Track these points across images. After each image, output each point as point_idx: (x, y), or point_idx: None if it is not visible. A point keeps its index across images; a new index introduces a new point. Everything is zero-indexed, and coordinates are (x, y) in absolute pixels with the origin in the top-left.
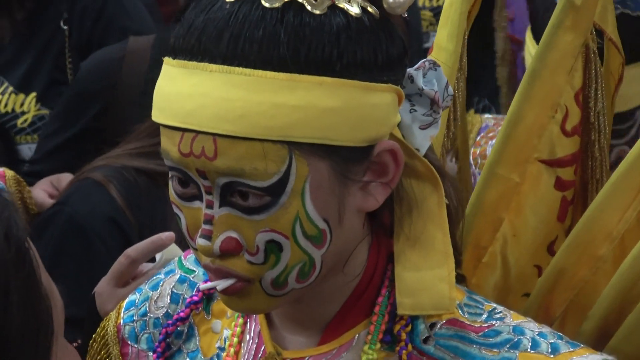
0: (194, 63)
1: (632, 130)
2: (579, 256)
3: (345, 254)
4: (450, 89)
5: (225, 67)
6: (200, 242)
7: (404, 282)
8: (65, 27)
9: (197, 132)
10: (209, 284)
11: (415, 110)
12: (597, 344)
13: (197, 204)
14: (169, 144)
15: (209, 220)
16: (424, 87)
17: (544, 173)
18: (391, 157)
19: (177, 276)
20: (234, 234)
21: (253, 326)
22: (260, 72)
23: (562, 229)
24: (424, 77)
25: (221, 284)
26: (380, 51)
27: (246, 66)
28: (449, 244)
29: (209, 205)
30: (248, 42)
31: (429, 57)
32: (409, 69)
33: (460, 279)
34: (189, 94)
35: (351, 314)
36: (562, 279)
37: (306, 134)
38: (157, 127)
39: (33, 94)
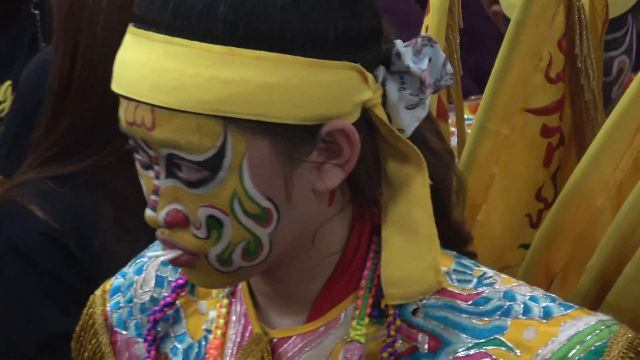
0: (141, 31)
1: (627, 38)
2: (575, 209)
3: (307, 232)
4: (449, 67)
5: (166, 37)
6: (147, 212)
7: (390, 273)
8: (36, 12)
9: (138, 102)
10: (156, 252)
11: (404, 89)
12: (597, 299)
13: (151, 173)
14: (120, 112)
15: (156, 191)
16: (410, 64)
17: (530, 122)
18: (344, 138)
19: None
20: (179, 207)
21: (239, 307)
22: (197, 43)
23: (547, 174)
24: (417, 54)
25: (167, 255)
26: (334, 27)
27: (186, 37)
28: (433, 226)
29: (157, 176)
30: (188, 12)
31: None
32: (398, 45)
33: (473, 256)
34: (133, 62)
35: (336, 289)
36: (560, 233)
37: (241, 110)
38: (50, 127)
39: (8, 83)
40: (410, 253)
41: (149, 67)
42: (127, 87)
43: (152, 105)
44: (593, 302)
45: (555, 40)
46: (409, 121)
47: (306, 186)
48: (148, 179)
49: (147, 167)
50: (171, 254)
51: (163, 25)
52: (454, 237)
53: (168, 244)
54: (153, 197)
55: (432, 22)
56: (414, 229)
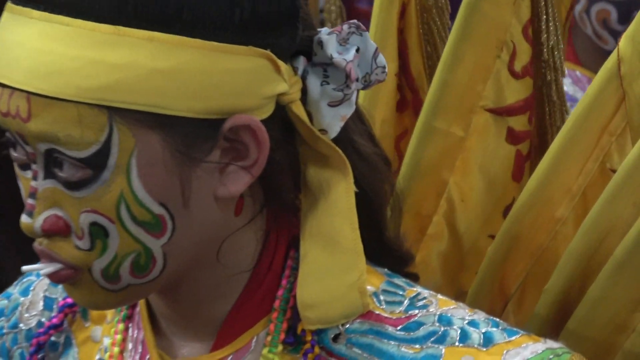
0: (19, 8)
1: None
2: (534, 218)
3: (209, 245)
4: (382, 59)
5: (46, 14)
6: (23, 218)
7: (307, 293)
8: None
9: (13, 89)
10: (31, 266)
11: (328, 83)
12: (558, 325)
13: (29, 173)
14: None
15: (33, 194)
16: (334, 55)
17: (492, 124)
18: (251, 136)
19: None
20: (59, 212)
21: (136, 333)
22: (80, 22)
23: (519, 189)
24: (343, 43)
25: (45, 269)
26: (240, 7)
27: (68, 14)
28: (358, 240)
29: (34, 176)
30: None
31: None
32: (321, 33)
33: (415, 278)
34: (9, 43)
35: (247, 312)
36: (516, 247)
37: (128, 99)
38: None
39: None
40: (330, 270)
41: (25, 48)
42: (0, 72)
43: (28, 93)
44: (553, 328)
45: (520, 27)
46: (332, 120)
47: (207, 191)
48: (26, 181)
49: (25, 166)
50: (49, 268)
51: (43, 1)
52: (388, 255)
53: (46, 256)
54: (30, 201)
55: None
56: (336, 242)
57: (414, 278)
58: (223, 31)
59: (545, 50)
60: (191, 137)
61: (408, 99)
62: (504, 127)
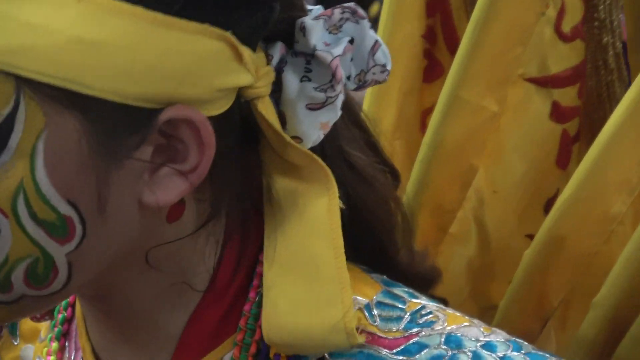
0: None
1: None
2: (583, 216)
3: (135, 253)
4: (382, 55)
5: None
6: None
7: (275, 334)
8: None
9: None
10: None
11: (309, 80)
12: (608, 348)
13: None
14: None
15: None
16: (317, 45)
17: (534, 97)
18: (192, 134)
19: None
20: None
21: (73, 353)
22: None
23: (564, 179)
24: (334, 31)
25: None
26: None
27: None
28: (343, 268)
29: None
30: None
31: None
32: (307, 16)
33: (444, 302)
34: None
35: (206, 328)
36: (559, 250)
37: (40, 68)
38: None
39: None
40: (306, 305)
41: None
42: None
43: None
44: (603, 351)
45: None
46: (309, 127)
47: (130, 195)
48: None
49: None
50: None
51: None
52: (405, 279)
53: None
54: None
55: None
56: (314, 271)
57: (441, 302)
58: (172, 1)
59: (601, 7)
60: (116, 126)
61: (441, 65)
62: (548, 101)
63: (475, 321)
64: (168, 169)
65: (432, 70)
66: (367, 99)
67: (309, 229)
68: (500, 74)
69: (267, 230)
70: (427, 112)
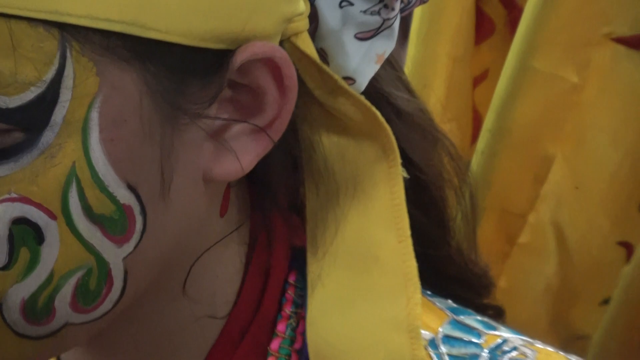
0: None
1: None
2: None
3: (180, 262)
4: None
5: None
6: None
7: (324, 336)
8: None
9: None
10: None
11: (351, 4)
12: None
13: None
14: None
15: None
16: None
17: (624, 63)
18: (270, 76)
19: None
20: None
21: None
22: None
23: None
24: None
25: None
26: None
27: None
28: (409, 254)
29: None
30: None
31: None
32: None
33: (497, 313)
34: None
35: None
36: None
37: (91, 11)
38: None
39: None
40: (362, 300)
41: None
42: None
43: None
44: None
45: None
46: (362, 62)
47: (194, 170)
48: None
49: None
50: None
51: None
52: (454, 279)
53: None
54: None
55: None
56: (371, 258)
57: (496, 313)
58: None
59: None
60: (184, 78)
61: (492, 22)
62: None
63: (573, 358)
64: (240, 129)
65: (481, 28)
66: (407, 70)
67: (364, 206)
68: (580, 34)
69: (310, 212)
70: (477, 81)
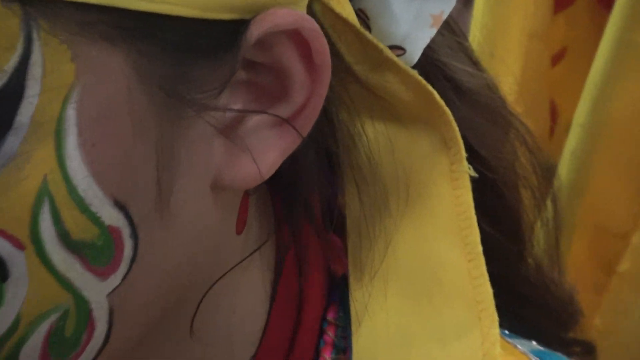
0: None
1: None
2: None
3: (190, 292)
4: None
5: None
6: None
7: None
8: None
9: None
10: None
11: None
12: None
13: None
14: None
15: None
16: None
17: None
18: (296, 52)
19: None
20: None
21: None
22: None
23: None
24: None
25: None
26: None
27: None
28: (482, 276)
29: None
30: None
31: None
32: None
33: (587, 351)
34: None
35: None
36: None
37: None
38: None
39: None
40: (422, 340)
41: None
42: None
43: None
44: None
45: None
46: (413, 26)
47: (203, 176)
48: None
49: None
50: None
51: None
52: (532, 306)
53: None
54: None
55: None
56: (433, 284)
57: (586, 350)
58: None
59: None
60: (185, 60)
61: None
62: None
63: None
64: (258, 121)
65: None
66: (473, 39)
67: (421, 214)
68: None
69: (352, 225)
70: (555, 60)
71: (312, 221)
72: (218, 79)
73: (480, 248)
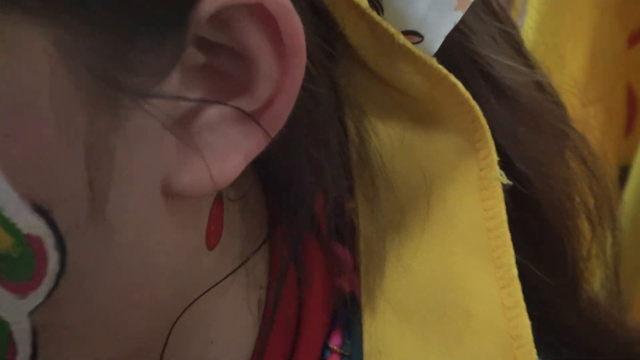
0: None
1: None
2: None
3: (156, 319)
4: None
5: None
6: None
7: None
8: None
9: None
10: None
11: None
12: None
13: None
14: None
15: None
16: None
17: None
18: (261, 31)
19: None
20: None
21: None
22: None
23: None
24: None
25: None
26: None
27: None
28: (518, 307)
29: None
30: None
31: None
32: None
33: None
34: None
35: None
36: None
37: None
38: None
39: None
40: None
41: None
42: None
43: None
44: None
45: None
46: (433, 7)
47: (148, 178)
48: None
49: None
50: None
51: None
52: (585, 347)
53: None
54: None
55: None
56: (460, 316)
57: None
58: None
59: None
60: (123, 34)
61: None
62: None
63: None
64: (217, 115)
65: None
66: (531, 24)
67: (443, 230)
68: None
69: (365, 240)
70: (634, 40)
71: (315, 231)
72: (161, 61)
73: (514, 271)
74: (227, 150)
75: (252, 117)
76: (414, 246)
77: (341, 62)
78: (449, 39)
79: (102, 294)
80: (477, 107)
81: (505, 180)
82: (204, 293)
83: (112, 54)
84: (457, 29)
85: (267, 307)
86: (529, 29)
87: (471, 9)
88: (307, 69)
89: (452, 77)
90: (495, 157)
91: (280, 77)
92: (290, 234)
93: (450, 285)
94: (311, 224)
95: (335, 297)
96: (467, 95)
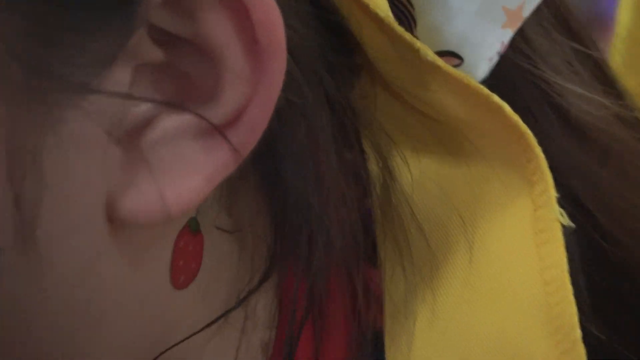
0: None
1: None
2: None
3: None
4: None
5: None
6: None
7: None
8: None
9: None
10: None
11: None
12: None
13: None
14: None
15: None
16: None
17: None
18: (229, 22)
19: None
20: None
21: None
22: None
23: None
24: None
25: None
26: None
27: None
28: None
29: None
30: None
31: None
32: None
33: None
34: None
35: None
36: None
37: None
38: None
39: None
40: None
41: None
42: None
43: None
44: None
45: None
46: (473, 23)
47: (87, 202)
48: None
49: None
50: None
51: None
52: None
53: None
54: None
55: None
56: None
57: None
58: None
59: None
60: (56, 14)
61: None
62: None
63: None
64: (175, 124)
65: None
66: (625, 22)
67: (488, 286)
68: None
69: (391, 304)
70: None
71: (336, 260)
72: (103, 47)
73: (578, 334)
74: (185, 170)
75: (217, 129)
76: (454, 306)
77: (360, 79)
78: (508, 62)
79: (48, 335)
80: (529, 133)
81: (566, 221)
82: (184, 340)
83: (41, 35)
84: (519, 50)
85: (275, 350)
86: (616, 51)
87: (540, 27)
88: (293, 78)
89: (496, 98)
90: (553, 194)
91: (253, 81)
92: (305, 265)
93: (499, 352)
94: (327, 249)
95: (360, 333)
96: (516, 118)
